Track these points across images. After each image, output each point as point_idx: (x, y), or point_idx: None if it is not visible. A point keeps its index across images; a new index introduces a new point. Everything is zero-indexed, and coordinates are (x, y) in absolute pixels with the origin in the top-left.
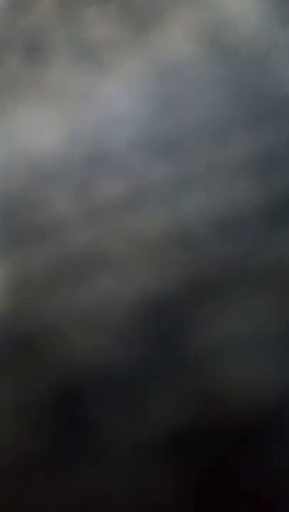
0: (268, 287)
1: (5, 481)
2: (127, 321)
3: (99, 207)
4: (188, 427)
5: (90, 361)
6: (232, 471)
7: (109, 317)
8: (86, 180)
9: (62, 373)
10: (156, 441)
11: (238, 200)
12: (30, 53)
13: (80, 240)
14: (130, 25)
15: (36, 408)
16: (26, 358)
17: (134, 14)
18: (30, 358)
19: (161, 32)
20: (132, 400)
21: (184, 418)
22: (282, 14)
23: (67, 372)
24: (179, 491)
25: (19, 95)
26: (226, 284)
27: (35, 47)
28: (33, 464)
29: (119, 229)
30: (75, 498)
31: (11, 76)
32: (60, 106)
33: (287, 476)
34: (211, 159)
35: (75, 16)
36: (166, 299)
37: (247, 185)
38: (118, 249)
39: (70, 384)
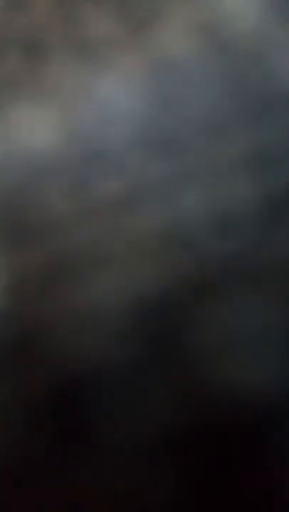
0: (268, 286)
1: (4, 481)
2: (125, 320)
3: (97, 205)
4: (187, 427)
5: (88, 360)
6: (232, 471)
7: (108, 316)
8: (84, 179)
9: (60, 373)
10: (156, 441)
11: (237, 198)
12: (28, 51)
13: (78, 239)
14: (128, 23)
15: (35, 408)
16: (24, 358)
17: (133, 12)
18: (29, 358)
19: (160, 30)
20: (132, 399)
21: (183, 417)
22: (280, 11)
23: (66, 372)
24: (179, 491)
25: (17, 93)
26: (225, 283)
27: (34, 45)
28: (32, 464)
29: (118, 227)
30: (75, 498)
31: (9, 74)
32: (58, 104)
33: (286, 475)
34: (210, 157)
35: (74, 14)
36: (165, 298)
37: (246, 183)
38: (116, 248)
39: (68, 384)
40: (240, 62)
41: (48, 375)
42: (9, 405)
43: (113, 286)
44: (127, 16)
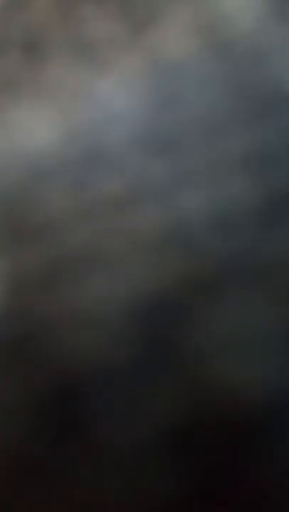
0: (267, 286)
1: (4, 481)
2: (125, 320)
3: (97, 205)
4: (187, 427)
5: (88, 361)
6: (231, 471)
7: (107, 316)
8: (84, 178)
9: (60, 373)
10: (156, 441)
11: (237, 198)
12: (28, 51)
13: (77, 239)
14: (128, 23)
15: (34, 408)
16: (24, 358)
17: (133, 12)
18: (29, 358)
19: (159, 30)
20: (131, 399)
21: (182, 417)
22: (280, 11)
23: (66, 372)
24: (179, 491)
25: (17, 93)
26: (225, 283)
27: (34, 44)
28: (32, 464)
29: (117, 227)
30: (75, 498)
31: (9, 73)
32: (58, 103)
33: (285, 475)
34: (209, 157)
35: (74, 13)
36: (165, 298)
37: (245, 183)
38: (116, 248)
39: (68, 383)
40: (240, 63)
41: (48, 375)
42: (9, 405)
43: (113, 286)
44: (127, 16)
